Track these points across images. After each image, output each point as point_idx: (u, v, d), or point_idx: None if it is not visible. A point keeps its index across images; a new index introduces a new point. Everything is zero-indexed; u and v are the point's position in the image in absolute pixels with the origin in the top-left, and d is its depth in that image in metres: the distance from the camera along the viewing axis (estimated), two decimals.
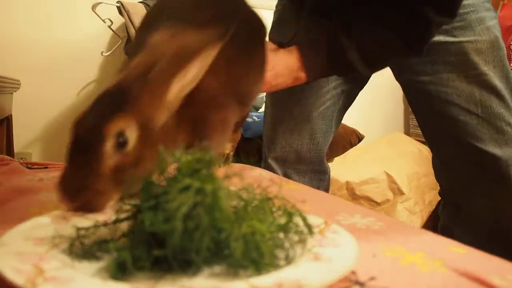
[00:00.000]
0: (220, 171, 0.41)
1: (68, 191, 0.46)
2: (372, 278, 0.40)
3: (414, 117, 1.13)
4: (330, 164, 1.23)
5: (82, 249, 0.41)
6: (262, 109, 2.20)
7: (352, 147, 2.08)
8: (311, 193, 0.80)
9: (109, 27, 2.01)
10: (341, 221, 0.60)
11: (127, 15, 1.87)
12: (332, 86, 1.10)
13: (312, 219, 0.46)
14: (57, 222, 0.47)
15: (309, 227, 0.44)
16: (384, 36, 0.84)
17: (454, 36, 0.96)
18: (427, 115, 1.06)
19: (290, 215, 0.43)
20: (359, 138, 2.08)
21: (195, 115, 0.59)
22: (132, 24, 1.86)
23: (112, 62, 2.14)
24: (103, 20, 1.97)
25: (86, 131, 0.47)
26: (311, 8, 0.98)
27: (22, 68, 1.95)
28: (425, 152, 2.29)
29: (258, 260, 0.37)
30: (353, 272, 0.41)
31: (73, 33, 2.07)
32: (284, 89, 1.09)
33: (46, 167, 0.95)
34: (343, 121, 1.23)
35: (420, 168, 2.18)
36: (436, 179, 1.13)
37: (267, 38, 0.78)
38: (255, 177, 0.87)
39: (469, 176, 1.02)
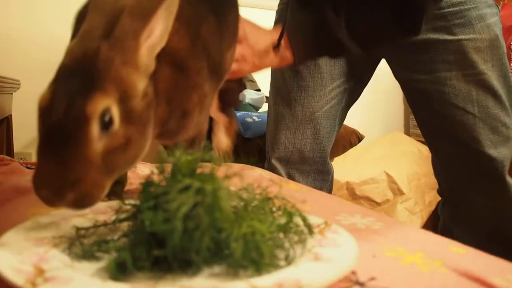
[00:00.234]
0: (220, 171, 0.41)
1: (53, 188, 0.39)
2: (372, 278, 0.40)
3: (414, 117, 1.13)
4: None
5: (82, 249, 0.41)
6: (262, 109, 2.20)
7: (352, 147, 2.08)
8: (311, 193, 0.80)
9: None
10: (341, 221, 0.60)
11: None
12: (336, 84, 1.09)
13: (312, 219, 0.46)
14: (57, 222, 0.46)
15: (309, 227, 0.44)
16: (374, 11, 0.80)
17: (453, 34, 0.95)
18: (425, 114, 1.05)
19: (290, 215, 0.43)
20: (359, 138, 2.08)
21: (168, 82, 0.52)
22: None
23: None
24: None
25: (63, 116, 0.40)
26: None
27: (22, 68, 1.94)
28: (425, 152, 2.29)
29: (258, 260, 0.37)
30: (353, 272, 0.41)
31: None
32: (287, 89, 1.09)
33: None
34: None
35: (420, 168, 2.18)
36: (436, 178, 1.14)
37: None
38: (255, 177, 0.87)
39: (467, 176, 1.03)
